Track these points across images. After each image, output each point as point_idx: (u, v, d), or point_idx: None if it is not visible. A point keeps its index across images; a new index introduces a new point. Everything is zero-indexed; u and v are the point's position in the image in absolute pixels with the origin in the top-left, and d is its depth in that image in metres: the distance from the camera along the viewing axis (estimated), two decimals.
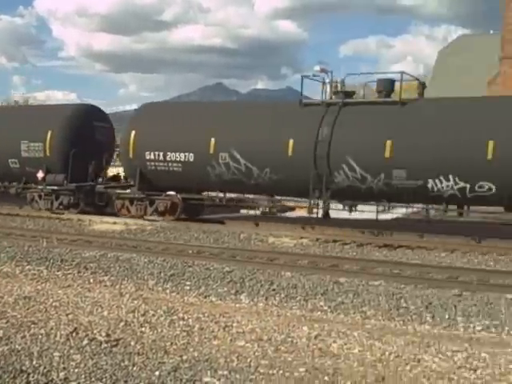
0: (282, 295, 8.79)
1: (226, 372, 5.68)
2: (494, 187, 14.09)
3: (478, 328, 7.36)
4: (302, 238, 15.11)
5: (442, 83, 27.25)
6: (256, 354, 6.22)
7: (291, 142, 16.12)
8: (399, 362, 6.02)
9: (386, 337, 6.84)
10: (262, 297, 8.73)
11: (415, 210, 17.41)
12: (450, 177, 14.40)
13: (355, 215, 17.23)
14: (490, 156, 13.99)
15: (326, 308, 8.18)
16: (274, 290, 9.10)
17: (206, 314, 7.58)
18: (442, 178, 14.49)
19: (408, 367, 5.89)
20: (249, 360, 6.02)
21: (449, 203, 15.15)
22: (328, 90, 17.11)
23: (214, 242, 14.33)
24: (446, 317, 7.80)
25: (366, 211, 16.56)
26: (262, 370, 5.76)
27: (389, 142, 15.03)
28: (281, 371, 5.74)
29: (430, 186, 14.66)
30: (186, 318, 7.44)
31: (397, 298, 8.70)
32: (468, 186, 14.31)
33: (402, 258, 12.72)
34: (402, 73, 16.57)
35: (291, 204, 21.24)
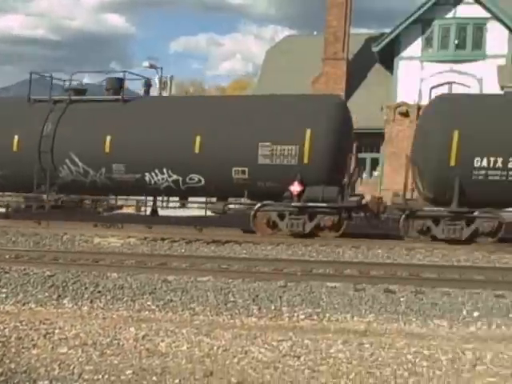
0: (108, 297, 8.48)
1: (46, 382, 5.36)
2: (202, 179, 15.24)
3: (302, 316, 7.63)
4: (129, 237, 14.77)
5: (269, 82, 28.11)
6: (80, 359, 5.92)
7: (16, 137, 16.34)
8: (227, 356, 6.06)
9: (215, 332, 6.86)
10: (86, 300, 8.34)
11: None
12: (164, 170, 15.37)
13: (186, 212, 17.26)
14: (197, 150, 15.10)
15: (154, 307, 8.02)
16: (99, 292, 8.75)
17: (25, 322, 7.08)
18: (157, 171, 15.42)
19: (236, 360, 5.95)
20: (72, 367, 5.72)
21: (168, 195, 16.23)
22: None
23: (33, 246, 13.51)
24: (272, 308, 8.01)
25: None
26: (86, 376, 5.50)
27: (108, 138, 15.71)
28: (106, 375, 5.52)
29: (147, 179, 15.55)
30: (1, 328, 6.89)
31: (225, 292, 8.77)
32: (181, 178, 15.35)
33: (230, 253, 12.91)
34: (126, 72, 17.41)
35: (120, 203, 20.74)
